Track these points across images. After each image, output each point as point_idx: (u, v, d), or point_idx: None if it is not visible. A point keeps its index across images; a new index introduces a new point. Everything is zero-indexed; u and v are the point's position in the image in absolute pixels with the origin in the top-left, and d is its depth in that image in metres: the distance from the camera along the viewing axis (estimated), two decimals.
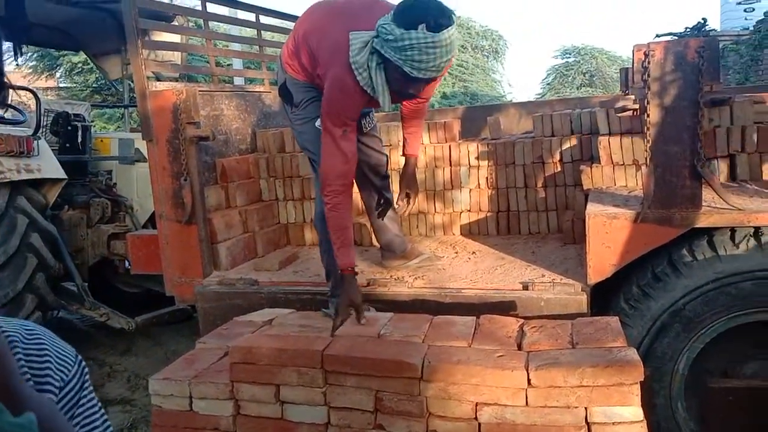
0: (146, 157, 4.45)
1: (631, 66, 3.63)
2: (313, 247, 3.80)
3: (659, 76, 2.44)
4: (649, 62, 2.44)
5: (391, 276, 3.02)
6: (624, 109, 3.36)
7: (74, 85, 13.70)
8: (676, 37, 10.82)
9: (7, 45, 5.45)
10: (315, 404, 1.89)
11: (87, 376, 0.69)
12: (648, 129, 2.47)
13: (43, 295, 4.05)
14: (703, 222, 2.41)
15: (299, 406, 1.91)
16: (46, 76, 14.01)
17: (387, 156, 3.13)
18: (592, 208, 2.62)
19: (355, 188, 2.91)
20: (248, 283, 3.07)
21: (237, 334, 2.26)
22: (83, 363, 0.70)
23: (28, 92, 4.87)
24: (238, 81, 7.00)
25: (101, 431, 0.69)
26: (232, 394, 1.94)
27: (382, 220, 3.11)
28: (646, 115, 2.49)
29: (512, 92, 22.10)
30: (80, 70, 13.28)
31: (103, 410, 0.71)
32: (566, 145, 3.47)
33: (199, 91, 3.39)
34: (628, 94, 4.19)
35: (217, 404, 1.95)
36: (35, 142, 4.09)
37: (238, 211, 3.58)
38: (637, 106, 3.34)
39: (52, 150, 4.39)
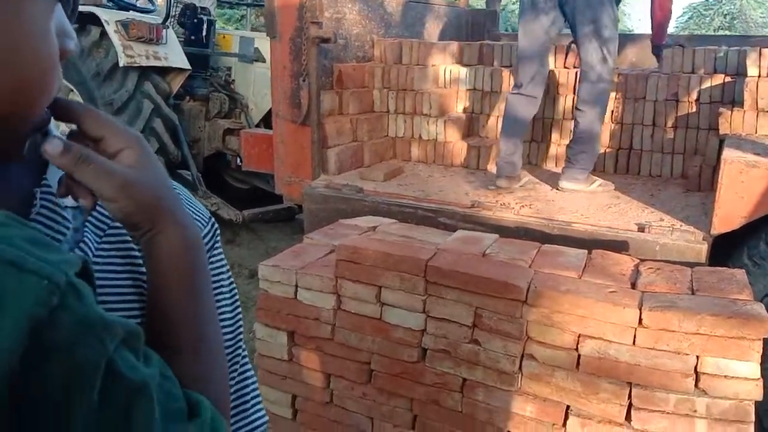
0: (265, 57, 4.53)
1: None
2: (418, 164, 3.78)
3: None
4: None
5: (497, 201, 2.97)
6: None
7: None
8: None
9: None
10: (414, 310, 1.91)
11: (218, 238, 0.69)
12: None
13: None
14: None
15: (398, 310, 1.93)
16: None
17: None
18: (729, 154, 2.42)
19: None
20: (354, 190, 3.11)
21: (342, 235, 2.30)
22: (216, 225, 0.70)
23: None
24: None
25: (227, 290, 0.69)
26: (335, 289, 1.99)
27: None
28: None
29: (640, 28, 20.54)
30: None
31: (230, 273, 0.71)
32: (706, 85, 3.19)
33: None
34: None
35: (320, 296, 2.01)
36: (164, 30, 4.24)
37: (350, 119, 3.59)
38: None
39: (178, 40, 4.54)
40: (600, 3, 2.89)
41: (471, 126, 3.82)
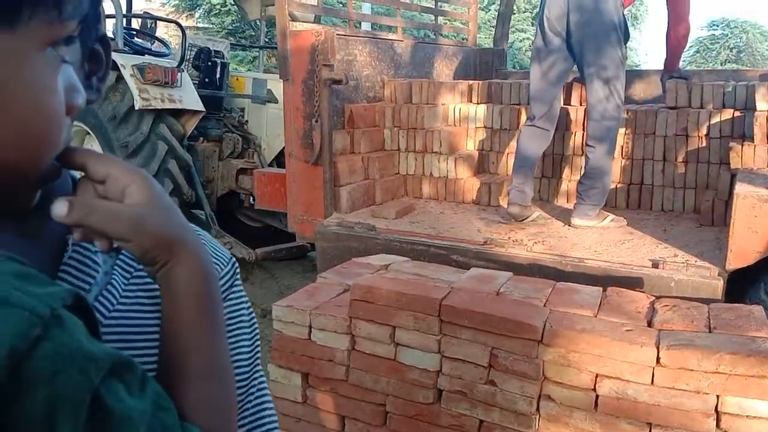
0: (277, 98, 4.61)
1: None
2: (429, 201, 3.80)
3: None
4: None
5: (509, 238, 2.97)
6: None
7: (211, 26, 14.37)
8: None
9: None
10: (429, 351, 1.90)
11: (238, 278, 0.71)
12: None
13: None
14: None
15: (413, 351, 1.92)
16: (186, 16, 14.78)
17: None
18: (741, 189, 2.41)
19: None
20: (366, 228, 3.13)
21: (356, 274, 2.31)
22: (236, 266, 0.71)
23: (172, 27, 5.14)
24: (365, 26, 7.02)
25: (248, 326, 0.70)
26: (350, 330, 1.99)
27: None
28: None
29: (648, 62, 20.72)
30: (218, 11, 13.88)
31: (252, 313, 0.72)
32: (715, 120, 3.20)
33: (336, 34, 3.42)
34: None
35: (334, 337, 2.01)
36: (179, 74, 4.33)
37: (361, 158, 3.63)
38: None
39: (193, 83, 4.64)
40: (606, 42, 2.94)
41: (481, 163, 3.85)
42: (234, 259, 0.72)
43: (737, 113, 3.16)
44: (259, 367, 0.72)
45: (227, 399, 0.58)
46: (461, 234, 3.10)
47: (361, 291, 1.99)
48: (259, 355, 0.71)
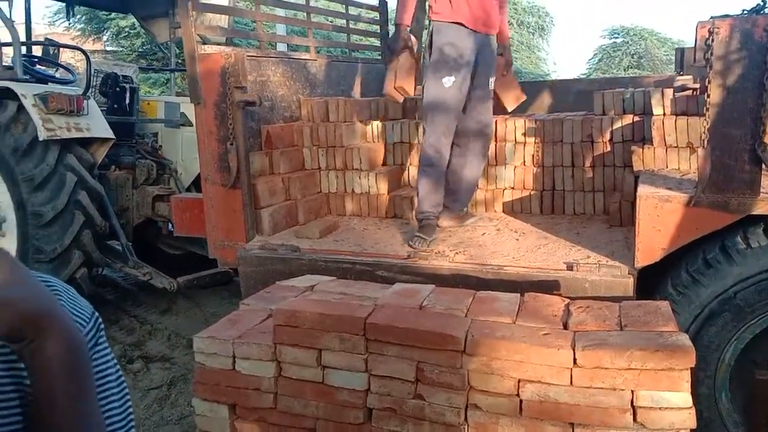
0: (192, 121, 4.51)
1: (690, 45, 3.49)
2: (353, 218, 3.81)
3: (723, 55, 2.34)
4: (712, 40, 2.33)
5: (432, 250, 3.01)
6: (683, 88, 3.24)
7: (120, 49, 13.89)
8: None
9: (60, 5, 5.52)
10: (356, 371, 1.90)
11: (102, 334, 0.71)
12: (707, 110, 2.38)
13: (89, 252, 4.16)
14: (760, 209, 2.32)
15: (340, 372, 1.92)
16: (93, 39, 14.23)
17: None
18: (644, 190, 2.55)
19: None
20: (290, 250, 3.09)
21: (279, 298, 2.28)
22: (99, 321, 0.71)
23: (77, 53, 4.95)
24: (281, 47, 7.00)
25: (115, 386, 0.70)
26: (275, 356, 1.96)
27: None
28: (706, 95, 2.39)
29: (557, 71, 21.61)
30: (127, 34, 13.45)
31: (118, 368, 0.73)
32: (617, 125, 3.37)
33: (247, 56, 3.39)
34: (682, 74, 4.05)
35: (259, 365, 1.97)
36: (85, 101, 4.16)
37: (281, 178, 3.59)
38: (696, 86, 3.23)
39: (101, 110, 4.47)
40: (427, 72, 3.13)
41: (401, 178, 3.90)
42: (96, 314, 0.71)
43: (636, 118, 3.34)
44: (133, 425, 0.71)
45: None
46: (385, 249, 3.12)
47: (285, 316, 1.97)
48: (131, 414, 0.71)
